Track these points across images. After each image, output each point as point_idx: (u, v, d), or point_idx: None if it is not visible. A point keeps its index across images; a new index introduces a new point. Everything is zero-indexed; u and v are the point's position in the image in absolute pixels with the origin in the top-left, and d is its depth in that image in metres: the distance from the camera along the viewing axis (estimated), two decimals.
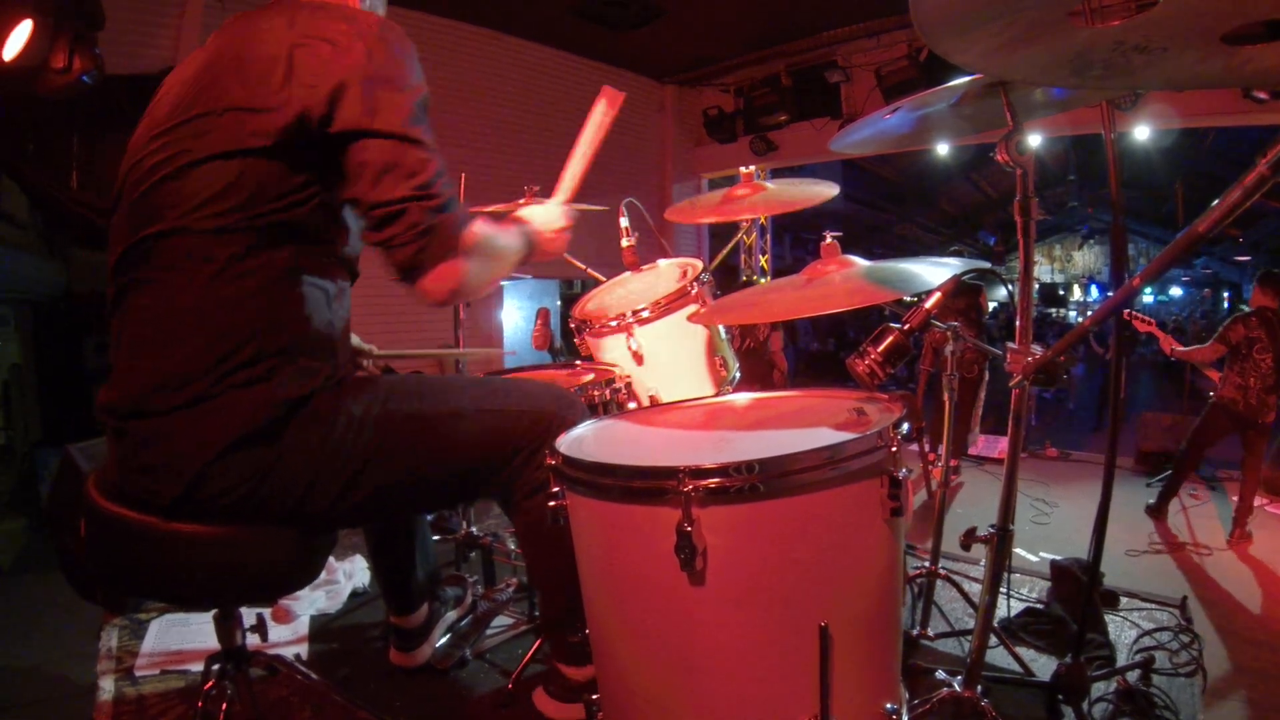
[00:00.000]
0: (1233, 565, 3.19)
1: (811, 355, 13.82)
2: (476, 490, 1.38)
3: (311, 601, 2.25)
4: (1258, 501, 3.81)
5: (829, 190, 1.94)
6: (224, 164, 1.05)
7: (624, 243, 2.18)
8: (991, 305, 4.99)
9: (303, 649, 2.04)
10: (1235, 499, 3.62)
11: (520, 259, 1.28)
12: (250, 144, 1.05)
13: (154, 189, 1.08)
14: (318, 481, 1.13)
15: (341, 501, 1.15)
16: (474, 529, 2.45)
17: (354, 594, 2.37)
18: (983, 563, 2.08)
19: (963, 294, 4.65)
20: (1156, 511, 3.82)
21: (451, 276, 1.06)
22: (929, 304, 1.27)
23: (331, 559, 2.40)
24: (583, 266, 2.42)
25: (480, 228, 1.11)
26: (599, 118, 1.54)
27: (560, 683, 1.44)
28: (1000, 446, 5.17)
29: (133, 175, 1.12)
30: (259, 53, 1.07)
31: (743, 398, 1.39)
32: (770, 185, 2.05)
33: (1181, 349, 3.97)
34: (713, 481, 0.90)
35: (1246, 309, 3.82)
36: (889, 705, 1.03)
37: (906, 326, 1.26)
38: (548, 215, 1.40)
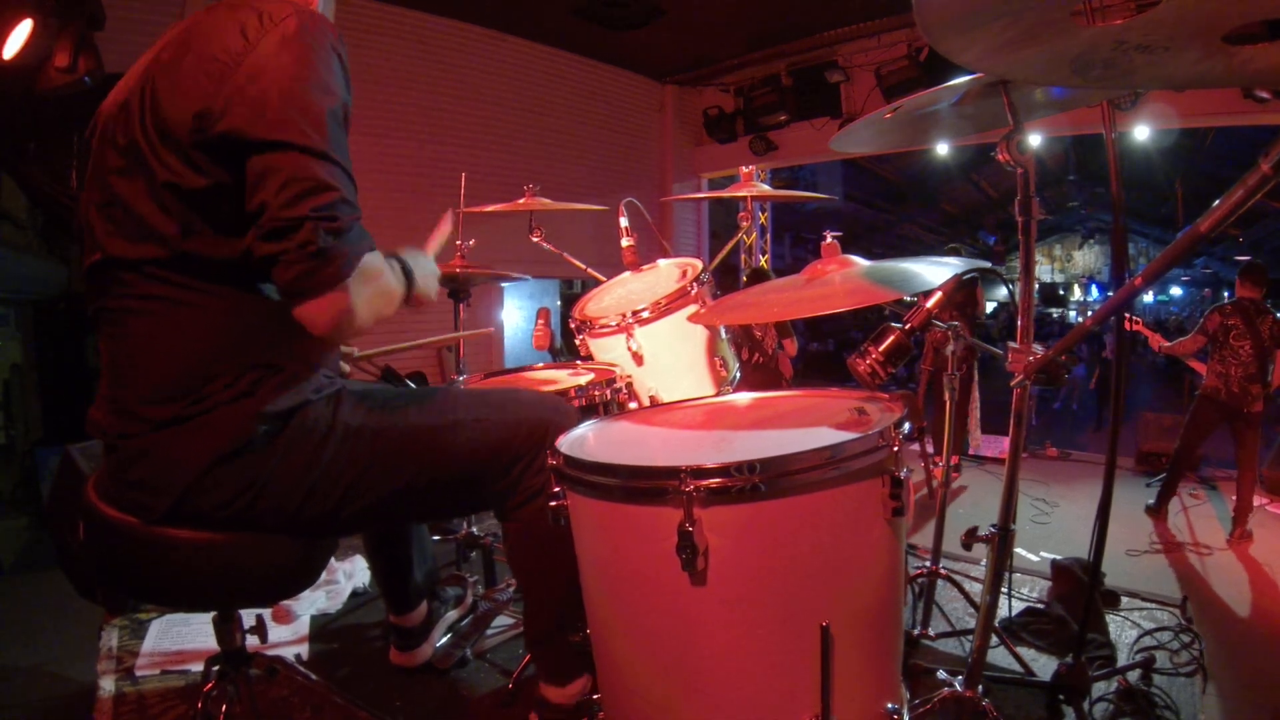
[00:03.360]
0: (1233, 565, 3.18)
1: (811, 355, 13.83)
2: (474, 500, 1.37)
3: (312, 601, 2.25)
4: (1258, 501, 3.81)
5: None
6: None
7: (624, 243, 2.17)
8: (991, 305, 5.01)
9: (303, 649, 2.04)
10: (1234, 498, 3.62)
11: (399, 304, 1.16)
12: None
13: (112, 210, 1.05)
14: (314, 492, 1.12)
15: (339, 512, 1.15)
16: (474, 529, 2.45)
17: (354, 594, 2.37)
18: (983, 562, 2.09)
19: (960, 288, 4.66)
20: (1156, 511, 3.82)
21: (335, 309, 0.99)
22: (930, 303, 1.27)
23: (331, 559, 2.40)
24: (583, 266, 2.42)
25: (375, 262, 1.05)
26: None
27: (546, 708, 1.42)
28: (1000, 446, 5.17)
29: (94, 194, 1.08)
30: (180, 60, 1.02)
31: (743, 397, 1.39)
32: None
33: (1167, 344, 4.02)
34: (714, 481, 0.90)
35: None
36: (890, 705, 1.03)
37: (908, 326, 1.26)
38: (428, 267, 1.26)
